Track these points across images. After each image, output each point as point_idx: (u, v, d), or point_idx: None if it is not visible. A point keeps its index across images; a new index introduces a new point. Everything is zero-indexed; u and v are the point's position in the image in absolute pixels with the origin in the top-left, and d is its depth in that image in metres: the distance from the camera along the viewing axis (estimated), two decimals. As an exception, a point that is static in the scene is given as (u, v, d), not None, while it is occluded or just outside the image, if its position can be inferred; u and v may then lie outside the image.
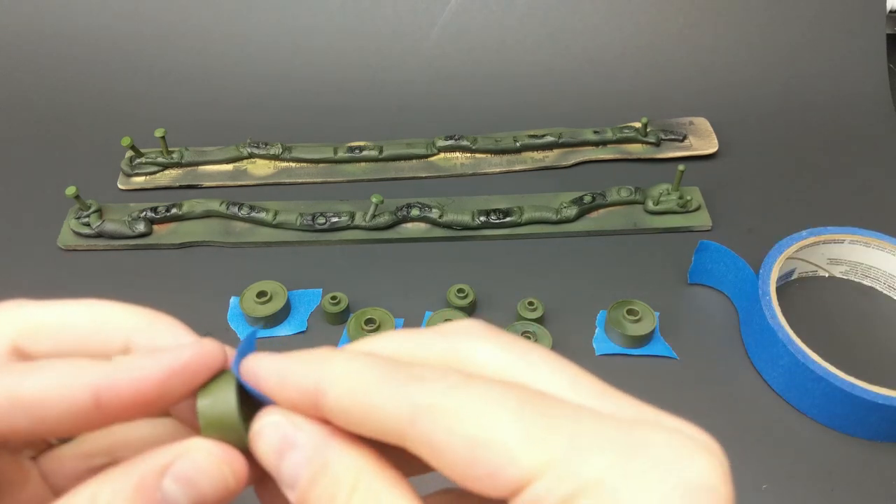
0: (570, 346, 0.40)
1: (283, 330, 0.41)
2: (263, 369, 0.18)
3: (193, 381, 0.18)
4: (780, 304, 0.38)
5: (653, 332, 0.40)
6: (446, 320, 0.39)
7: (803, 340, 0.36)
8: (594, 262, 0.45)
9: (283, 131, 0.54)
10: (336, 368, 0.17)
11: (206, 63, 0.59)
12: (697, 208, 0.48)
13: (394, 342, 0.18)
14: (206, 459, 0.18)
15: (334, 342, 0.40)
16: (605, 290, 0.43)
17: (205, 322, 0.41)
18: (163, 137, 0.49)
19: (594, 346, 0.40)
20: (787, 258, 0.41)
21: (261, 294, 0.41)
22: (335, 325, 0.41)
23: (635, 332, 0.39)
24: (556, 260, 0.45)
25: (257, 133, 0.53)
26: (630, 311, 0.40)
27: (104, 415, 0.17)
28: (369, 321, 0.40)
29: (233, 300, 0.42)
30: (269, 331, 0.41)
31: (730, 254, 0.41)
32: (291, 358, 0.17)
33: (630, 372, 0.39)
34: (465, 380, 0.16)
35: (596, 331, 0.41)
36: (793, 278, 0.44)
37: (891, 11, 0.61)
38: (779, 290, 0.40)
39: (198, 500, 0.18)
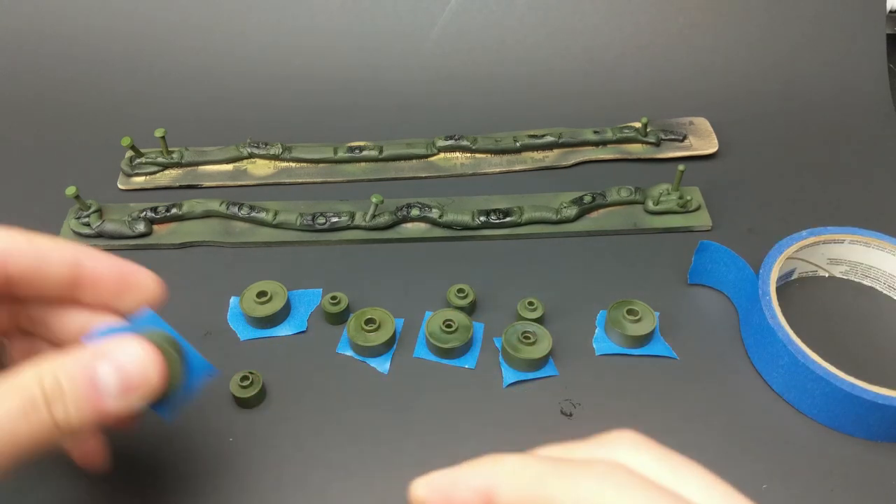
0: (570, 346, 0.40)
1: (282, 330, 0.41)
2: (435, 484, 0.21)
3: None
4: (780, 304, 0.38)
5: (653, 332, 0.40)
6: (446, 320, 0.40)
7: (803, 340, 0.36)
8: (594, 262, 0.45)
9: (283, 131, 0.54)
10: (507, 465, 0.20)
11: (206, 63, 0.59)
12: (697, 208, 0.48)
13: (554, 453, 0.21)
14: (136, 352, 0.22)
15: (334, 342, 0.40)
16: (605, 290, 0.43)
17: (205, 322, 0.41)
18: (163, 137, 0.49)
19: (594, 346, 0.40)
20: (787, 258, 0.41)
21: (261, 294, 0.41)
22: (335, 325, 0.41)
23: (635, 332, 0.39)
24: (556, 260, 0.45)
25: (257, 133, 0.53)
26: (630, 311, 0.40)
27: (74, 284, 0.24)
28: (369, 321, 0.40)
29: (233, 300, 0.42)
30: (269, 331, 0.41)
31: (730, 254, 0.41)
32: (460, 468, 0.20)
33: (630, 372, 0.39)
34: (630, 476, 0.18)
35: (596, 331, 0.41)
36: (793, 278, 0.44)
37: (891, 11, 0.61)
38: (779, 290, 0.40)
39: (125, 385, 0.22)
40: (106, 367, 0.21)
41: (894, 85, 0.58)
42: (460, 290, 0.42)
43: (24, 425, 0.20)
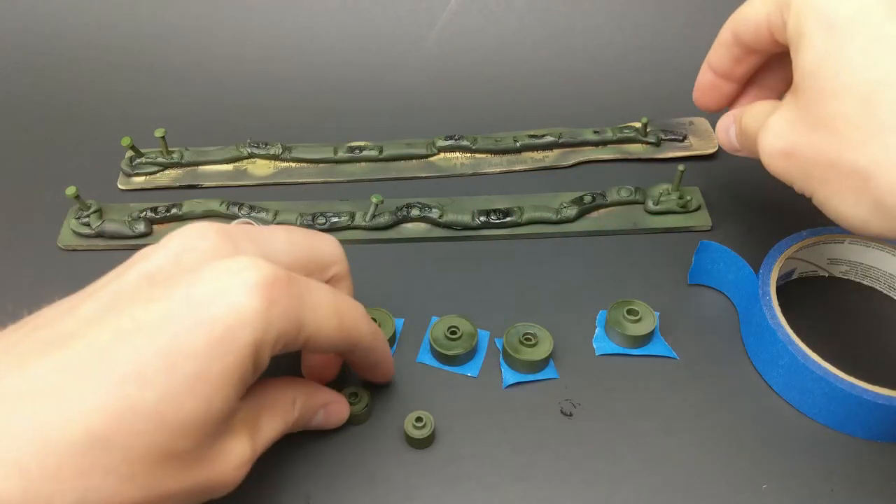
0: (570, 346, 0.40)
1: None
2: None
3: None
4: (780, 304, 0.38)
5: (653, 332, 0.40)
6: (451, 327, 0.39)
7: (803, 340, 0.36)
8: (594, 262, 0.45)
9: (282, 131, 0.54)
10: None
11: (206, 63, 0.59)
12: (697, 208, 0.48)
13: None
14: (340, 410, 0.35)
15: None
16: (605, 290, 0.43)
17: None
18: (163, 137, 0.49)
19: (594, 346, 0.40)
20: (787, 258, 0.41)
21: None
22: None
23: (635, 332, 0.39)
24: (556, 260, 0.45)
25: (257, 133, 0.53)
26: (630, 311, 0.40)
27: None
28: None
29: None
30: None
31: (730, 253, 0.41)
32: None
33: (630, 372, 0.39)
34: None
35: (596, 331, 0.41)
36: (793, 278, 0.44)
37: (891, 11, 0.61)
38: (779, 289, 0.40)
39: (323, 425, 0.35)
40: (321, 413, 0.34)
41: (894, 85, 0.58)
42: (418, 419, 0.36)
43: (283, 425, 0.31)
